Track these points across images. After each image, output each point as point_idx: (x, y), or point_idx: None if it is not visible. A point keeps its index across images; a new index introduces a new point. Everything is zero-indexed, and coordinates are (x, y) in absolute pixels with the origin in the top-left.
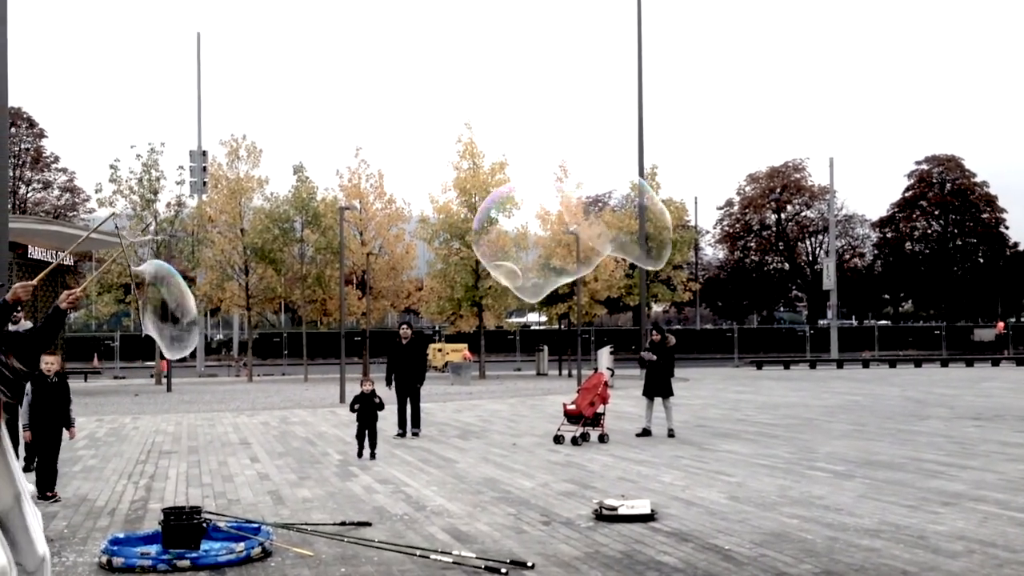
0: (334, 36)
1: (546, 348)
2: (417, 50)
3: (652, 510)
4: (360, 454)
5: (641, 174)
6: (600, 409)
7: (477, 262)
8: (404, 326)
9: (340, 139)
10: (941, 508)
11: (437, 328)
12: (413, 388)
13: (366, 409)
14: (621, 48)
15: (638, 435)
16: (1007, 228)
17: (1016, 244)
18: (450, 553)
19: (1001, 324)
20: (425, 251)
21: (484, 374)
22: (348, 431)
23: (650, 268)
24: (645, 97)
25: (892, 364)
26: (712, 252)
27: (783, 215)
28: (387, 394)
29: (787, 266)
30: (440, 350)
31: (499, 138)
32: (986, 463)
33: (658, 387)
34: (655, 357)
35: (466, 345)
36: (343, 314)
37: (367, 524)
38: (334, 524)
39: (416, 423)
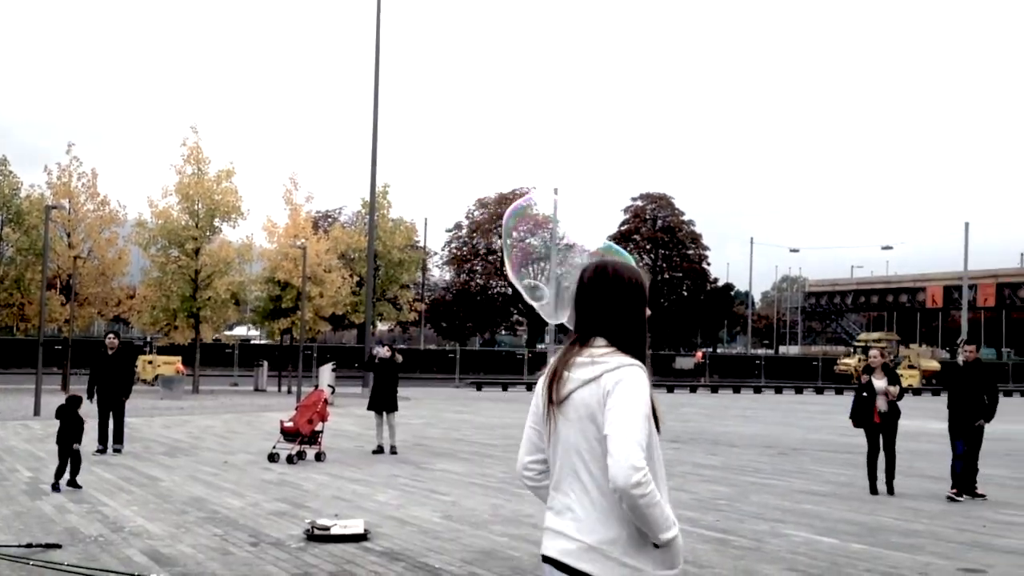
0: (47, 21)
1: (266, 363)
2: (139, 46)
3: (365, 529)
4: (56, 486)
5: (373, 192)
6: (319, 427)
7: (197, 271)
8: (111, 335)
9: (50, 134)
10: None
11: (149, 339)
12: (117, 401)
13: (70, 424)
14: (357, 65)
15: (374, 452)
16: (709, 265)
17: (716, 280)
18: None
19: (700, 353)
20: (140, 257)
21: (198, 389)
22: (41, 446)
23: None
24: (380, 116)
25: None
26: (439, 273)
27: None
28: (88, 408)
29: (510, 291)
30: (151, 362)
31: (227, 144)
32: (681, 483)
33: (385, 401)
34: (392, 356)
35: (180, 358)
36: (43, 320)
37: (56, 546)
38: (19, 546)
39: (119, 439)
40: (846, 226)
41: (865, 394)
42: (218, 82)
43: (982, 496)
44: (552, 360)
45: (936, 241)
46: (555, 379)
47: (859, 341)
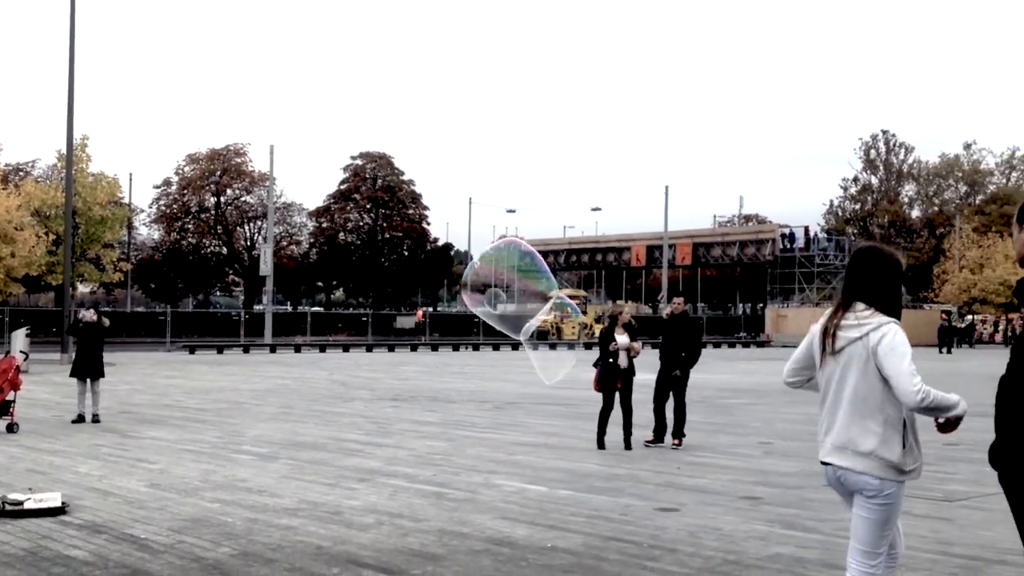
0: None
1: None
2: None
3: (63, 503)
4: None
5: (70, 144)
6: (10, 396)
7: None
8: None
9: None
10: (357, 484)
11: None
12: None
13: None
14: (50, 2)
15: (73, 421)
16: (429, 224)
17: (436, 239)
18: None
19: (420, 312)
20: None
21: None
22: None
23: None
24: (77, 61)
25: (322, 349)
26: (147, 232)
27: (223, 199)
28: None
29: (225, 250)
30: None
31: None
32: (399, 440)
33: (90, 368)
34: (99, 319)
35: None
36: None
37: None
38: None
39: None
40: (558, 188)
41: (612, 360)
42: None
43: (677, 445)
44: (822, 319)
45: (639, 204)
46: (828, 335)
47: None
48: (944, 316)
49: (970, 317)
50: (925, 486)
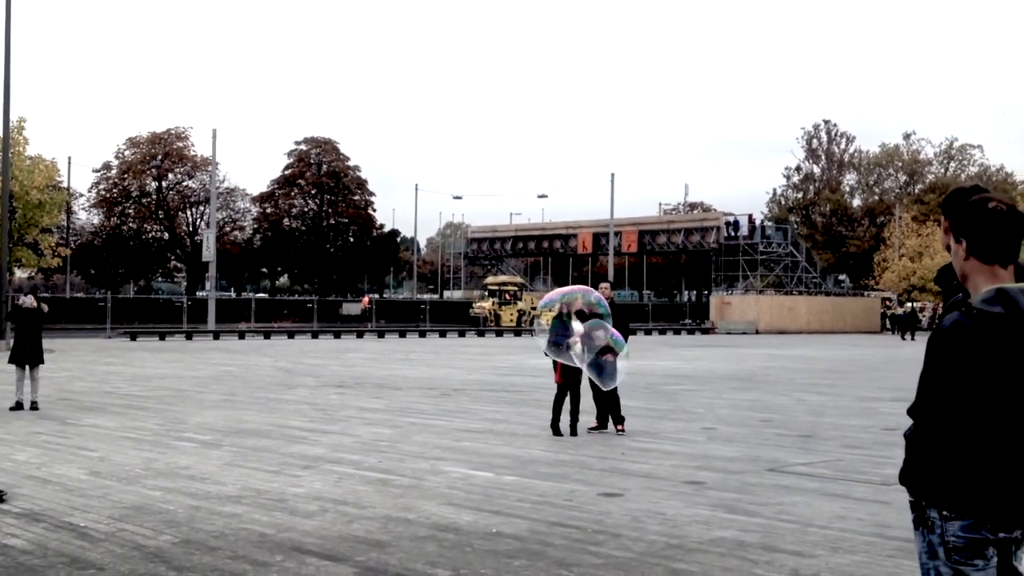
0: None
1: None
2: None
3: (1, 491)
4: None
5: (6, 126)
6: None
7: None
8: None
9: None
10: (302, 471)
11: None
12: None
13: None
14: None
15: (11, 408)
16: (375, 211)
17: (382, 226)
18: None
19: (366, 299)
20: None
21: None
22: None
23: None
24: (13, 40)
25: (267, 335)
26: (86, 217)
27: (164, 183)
28: None
29: (167, 235)
30: None
31: None
32: (345, 427)
33: (30, 354)
34: (38, 305)
35: None
36: None
37: None
38: None
39: None
40: (505, 174)
41: (567, 349)
42: None
43: (621, 431)
44: None
45: (586, 190)
46: None
47: (492, 284)
48: (888, 302)
49: (909, 304)
50: (863, 470)
